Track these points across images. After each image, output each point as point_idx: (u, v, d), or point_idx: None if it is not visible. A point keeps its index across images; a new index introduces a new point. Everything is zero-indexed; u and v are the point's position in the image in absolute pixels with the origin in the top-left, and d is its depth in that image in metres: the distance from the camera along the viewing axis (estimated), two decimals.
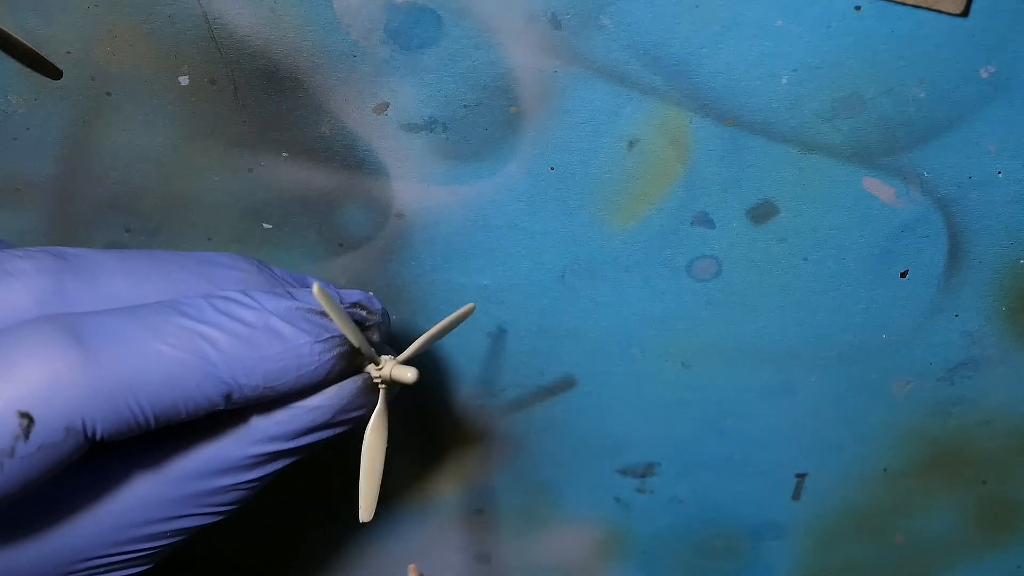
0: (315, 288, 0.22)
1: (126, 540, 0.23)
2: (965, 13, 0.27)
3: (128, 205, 0.31)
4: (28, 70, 0.28)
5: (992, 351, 0.34)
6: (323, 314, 0.23)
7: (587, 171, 0.30)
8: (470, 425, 0.36)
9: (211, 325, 0.21)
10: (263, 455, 0.23)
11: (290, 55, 0.28)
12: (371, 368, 0.25)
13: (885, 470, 0.37)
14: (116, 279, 0.23)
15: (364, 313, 0.25)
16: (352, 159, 0.30)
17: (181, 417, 0.21)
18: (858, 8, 0.27)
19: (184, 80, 0.29)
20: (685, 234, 0.31)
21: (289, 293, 0.23)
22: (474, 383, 0.35)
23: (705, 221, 0.31)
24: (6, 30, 0.28)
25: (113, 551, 0.23)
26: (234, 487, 0.24)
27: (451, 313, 0.26)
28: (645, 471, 0.37)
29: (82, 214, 0.31)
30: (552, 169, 0.30)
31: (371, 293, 0.28)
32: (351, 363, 0.24)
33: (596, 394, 0.35)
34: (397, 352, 0.26)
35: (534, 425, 0.36)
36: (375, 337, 0.25)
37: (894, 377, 0.35)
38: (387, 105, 0.29)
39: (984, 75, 0.28)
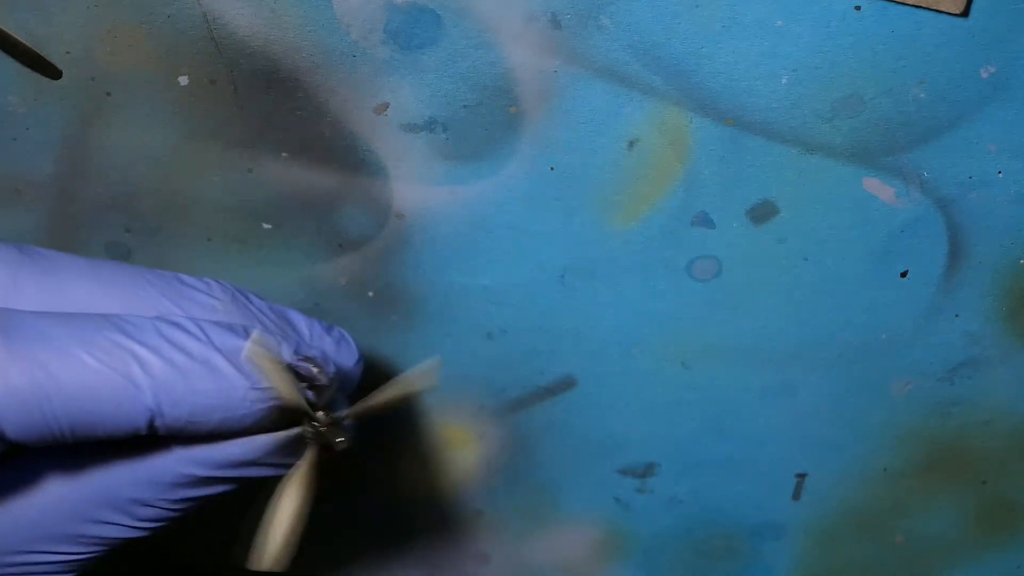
0: (253, 337, 0.21)
1: (40, 539, 0.23)
2: (965, 13, 0.27)
3: (128, 205, 0.31)
4: (28, 70, 0.28)
5: (992, 351, 0.34)
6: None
7: (587, 171, 0.30)
8: (470, 425, 0.36)
9: (147, 347, 0.21)
10: (186, 477, 0.23)
11: (290, 55, 0.28)
12: (310, 424, 0.24)
13: (885, 470, 0.37)
14: (79, 285, 0.23)
15: (315, 371, 0.24)
16: (352, 159, 0.30)
17: (99, 435, 0.21)
18: (858, 8, 0.27)
19: (184, 80, 0.29)
20: (685, 234, 0.31)
21: (247, 332, 0.23)
22: (474, 383, 0.35)
23: (705, 221, 0.31)
24: (6, 30, 0.28)
25: (27, 549, 0.23)
26: (154, 502, 0.23)
27: (411, 376, 0.25)
28: (645, 471, 0.37)
29: (82, 214, 0.31)
30: (552, 169, 0.30)
31: (350, 341, 0.27)
32: (286, 417, 0.23)
33: (596, 394, 0.35)
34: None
35: (534, 425, 0.36)
36: (318, 398, 0.24)
37: (894, 377, 0.35)
38: (387, 105, 0.29)
39: (984, 75, 0.28)
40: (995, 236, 0.31)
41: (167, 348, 0.21)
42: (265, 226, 0.32)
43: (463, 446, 0.37)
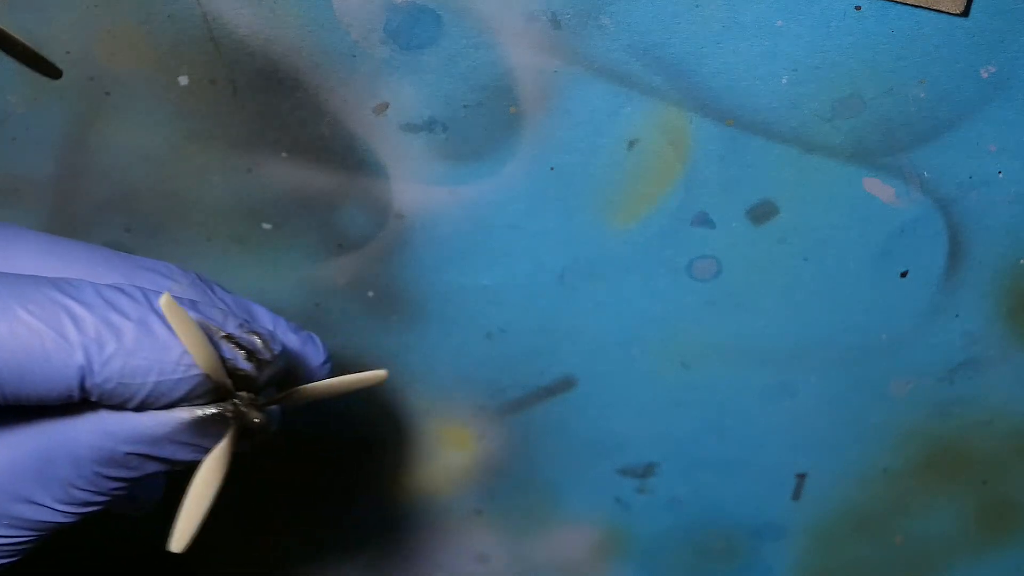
0: (163, 299, 0.21)
1: None
2: (965, 13, 0.27)
3: (128, 205, 0.31)
4: (28, 70, 0.28)
5: (992, 351, 0.34)
6: (219, 332, 0.22)
7: (587, 171, 0.30)
8: (470, 425, 0.36)
9: (83, 305, 0.21)
10: (104, 452, 0.22)
11: (290, 55, 0.28)
12: (231, 401, 0.23)
13: (885, 470, 0.37)
14: (30, 258, 0.23)
15: (259, 344, 0.23)
16: (352, 159, 0.30)
17: (30, 394, 0.21)
18: (858, 8, 0.27)
19: (184, 80, 0.29)
20: (685, 234, 0.31)
21: (194, 305, 0.23)
22: (474, 383, 0.35)
23: (705, 221, 0.31)
24: (6, 30, 0.28)
25: None
26: (77, 482, 0.22)
27: (358, 377, 0.24)
28: (645, 471, 0.37)
29: (82, 214, 0.31)
30: (552, 169, 0.30)
31: (318, 343, 0.26)
32: (223, 389, 0.22)
33: (596, 394, 0.35)
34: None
35: (534, 425, 0.36)
36: (259, 373, 0.23)
37: (894, 377, 0.35)
38: (387, 105, 0.29)
39: (984, 75, 0.28)
40: (995, 236, 0.31)
41: (102, 307, 0.21)
42: (265, 226, 0.32)
43: (463, 446, 0.37)
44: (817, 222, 0.31)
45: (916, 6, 0.27)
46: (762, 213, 0.31)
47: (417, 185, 0.31)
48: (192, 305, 0.23)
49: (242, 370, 0.23)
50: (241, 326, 0.23)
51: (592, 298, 0.33)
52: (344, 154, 0.30)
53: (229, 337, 0.23)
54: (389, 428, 0.37)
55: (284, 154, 0.30)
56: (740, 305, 0.33)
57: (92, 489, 0.23)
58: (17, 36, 0.28)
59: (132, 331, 0.21)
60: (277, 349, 0.24)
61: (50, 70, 0.28)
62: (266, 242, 0.32)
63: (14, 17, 0.27)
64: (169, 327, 0.21)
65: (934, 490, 0.38)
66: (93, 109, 0.29)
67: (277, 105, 0.29)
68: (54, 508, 0.23)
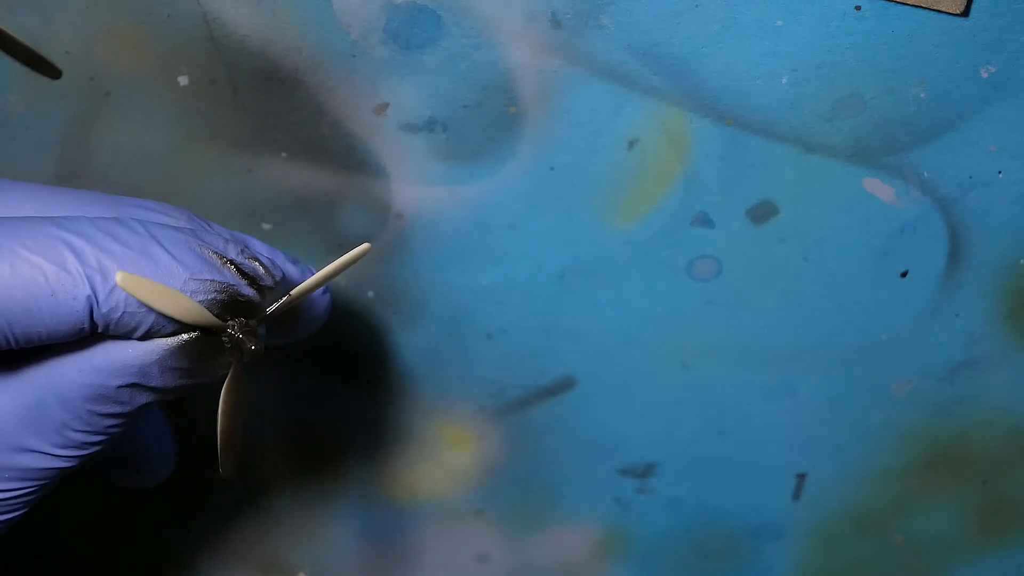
0: (119, 276, 0.20)
1: None
2: (965, 13, 0.27)
3: None
4: (28, 70, 0.28)
5: (992, 351, 0.34)
6: (221, 257, 0.22)
7: (587, 171, 0.30)
8: (470, 425, 0.36)
9: (83, 237, 0.21)
10: (93, 389, 0.22)
11: (290, 55, 0.28)
12: (226, 331, 0.23)
13: (885, 470, 0.37)
14: (26, 203, 0.23)
15: (260, 270, 0.23)
16: (352, 159, 0.30)
17: (40, 331, 0.20)
18: (858, 8, 0.27)
19: (184, 80, 0.29)
20: (685, 234, 0.31)
21: (195, 233, 0.22)
22: (474, 383, 0.35)
23: (705, 221, 0.31)
24: (6, 30, 0.28)
25: None
26: (73, 424, 0.22)
27: (345, 254, 0.24)
28: (645, 471, 0.37)
29: None
30: (552, 169, 0.30)
31: (312, 270, 0.25)
32: (224, 314, 0.22)
33: (596, 394, 0.35)
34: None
35: (534, 425, 0.36)
36: (262, 299, 0.23)
37: (894, 377, 0.35)
38: (387, 105, 0.29)
39: (984, 75, 0.28)
40: (995, 236, 0.31)
41: (102, 238, 0.21)
42: (265, 226, 0.32)
43: (463, 446, 0.37)
44: (817, 222, 0.31)
45: (916, 6, 0.27)
46: (762, 213, 0.31)
47: (417, 185, 0.31)
48: (192, 233, 0.22)
49: (245, 296, 0.22)
50: (242, 252, 0.23)
51: (592, 298, 0.33)
52: (344, 154, 0.30)
53: (231, 262, 0.22)
54: (389, 428, 0.37)
55: (284, 154, 0.30)
56: (740, 305, 0.33)
57: (88, 429, 0.22)
58: (17, 36, 0.28)
59: (134, 259, 0.21)
60: (278, 275, 0.24)
61: (50, 70, 0.28)
62: (266, 242, 0.32)
63: (14, 17, 0.27)
64: (172, 255, 0.21)
65: (934, 490, 0.38)
66: (93, 109, 0.29)
67: (277, 105, 0.29)
68: (53, 454, 0.23)
